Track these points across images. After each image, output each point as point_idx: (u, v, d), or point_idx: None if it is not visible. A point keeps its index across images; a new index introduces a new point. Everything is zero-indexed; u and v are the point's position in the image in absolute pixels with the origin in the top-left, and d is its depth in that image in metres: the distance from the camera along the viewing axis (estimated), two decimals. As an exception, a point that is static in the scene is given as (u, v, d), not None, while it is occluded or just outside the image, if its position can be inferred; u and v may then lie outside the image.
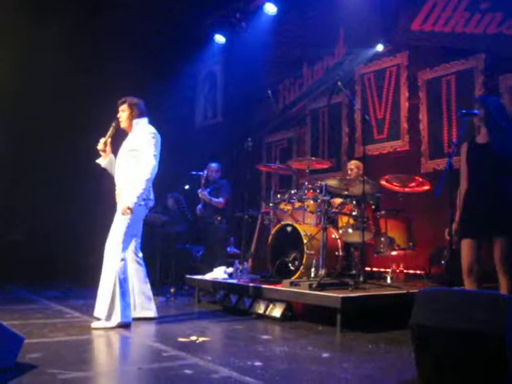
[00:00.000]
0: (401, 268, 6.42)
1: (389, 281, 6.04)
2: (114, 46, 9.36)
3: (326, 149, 8.82)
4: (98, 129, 5.43)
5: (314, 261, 5.72)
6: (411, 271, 6.66)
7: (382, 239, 6.21)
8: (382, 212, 6.34)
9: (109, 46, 9.38)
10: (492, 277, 4.42)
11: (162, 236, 7.64)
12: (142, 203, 4.92)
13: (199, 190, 7.48)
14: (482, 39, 6.74)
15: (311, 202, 6.10)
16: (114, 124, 5.23)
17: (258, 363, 3.50)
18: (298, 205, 6.22)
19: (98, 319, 4.76)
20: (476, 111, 4.59)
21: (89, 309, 5.24)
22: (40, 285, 8.10)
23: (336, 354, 4.03)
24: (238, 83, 10.01)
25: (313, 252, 5.77)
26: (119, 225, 4.90)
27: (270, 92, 8.00)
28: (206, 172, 7.53)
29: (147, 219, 5.46)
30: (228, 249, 7.84)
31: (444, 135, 7.05)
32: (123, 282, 4.82)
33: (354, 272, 6.17)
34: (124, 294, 4.79)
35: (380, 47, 7.97)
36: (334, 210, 6.21)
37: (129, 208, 4.79)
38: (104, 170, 5.32)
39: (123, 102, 5.22)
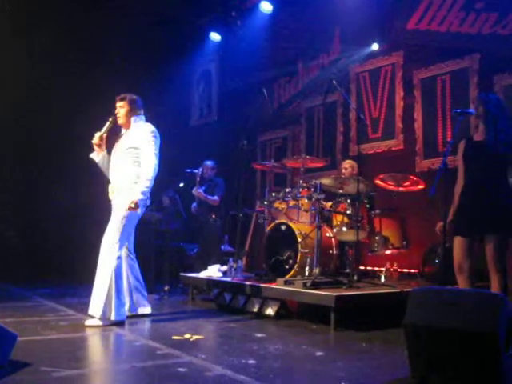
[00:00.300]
0: (395, 267, 6.44)
1: (383, 279, 6.06)
2: (109, 44, 9.34)
3: (320, 147, 8.82)
4: (92, 125, 5.41)
5: (309, 259, 5.73)
6: (405, 270, 6.68)
7: (376, 238, 6.23)
8: (377, 211, 6.34)
9: (103, 44, 9.35)
10: (484, 276, 4.44)
11: (157, 234, 7.64)
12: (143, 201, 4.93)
13: (194, 188, 7.47)
14: (476, 39, 6.75)
15: (306, 200, 6.11)
16: (111, 119, 5.17)
17: (251, 361, 3.50)
18: (292, 203, 6.23)
19: (92, 317, 4.75)
20: (470, 110, 4.61)
21: (83, 307, 5.23)
22: (33, 282, 8.08)
23: (330, 352, 4.04)
24: (233, 81, 10.00)
25: (307, 250, 5.77)
26: (116, 222, 4.89)
27: (264, 90, 7.99)
28: (201, 170, 7.52)
29: (142, 217, 5.45)
30: (222, 247, 7.84)
31: (439, 134, 7.07)
32: (119, 279, 4.82)
33: (348, 271, 6.17)
34: (119, 292, 4.79)
35: (375, 46, 7.97)
36: (328, 208, 6.22)
37: (135, 203, 4.79)
38: (96, 164, 5.27)
39: (122, 98, 5.17)
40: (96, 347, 4.24)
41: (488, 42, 6.63)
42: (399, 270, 6.51)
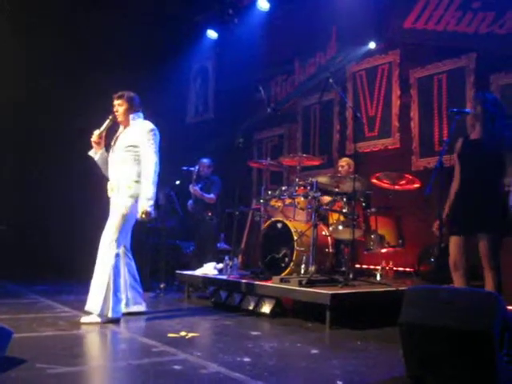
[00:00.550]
0: (390, 265, 6.47)
1: (378, 278, 6.06)
2: (106, 42, 9.31)
3: (317, 146, 8.83)
4: (88, 123, 5.40)
5: (304, 257, 5.73)
6: (400, 269, 6.69)
7: (372, 236, 6.23)
8: (373, 209, 6.35)
9: (103, 44, 9.34)
10: (479, 274, 4.45)
11: (153, 231, 7.63)
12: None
13: (191, 185, 7.47)
14: (473, 38, 6.76)
15: (302, 198, 6.11)
16: (110, 117, 5.15)
17: (246, 359, 3.51)
18: (288, 201, 6.22)
19: (89, 314, 4.75)
20: (467, 110, 4.62)
21: (79, 304, 5.23)
22: (29, 279, 8.07)
23: (325, 350, 4.05)
24: (230, 79, 9.98)
25: (303, 249, 5.77)
26: (115, 221, 4.90)
27: (261, 88, 7.99)
28: (197, 167, 7.52)
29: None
30: (218, 245, 7.84)
31: (435, 133, 7.08)
32: (117, 277, 4.83)
33: (343, 269, 6.19)
34: (116, 289, 4.80)
35: (372, 45, 7.97)
36: (324, 206, 6.22)
37: (146, 213, 4.80)
38: (95, 162, 5.27)
39: (120, 96, 5.15)
40: (92, 344, 4.24)
41: (485, 42, 6.63)
42: (395, 268, 6.53)
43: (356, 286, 5.29)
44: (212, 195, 7.54)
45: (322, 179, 6.19)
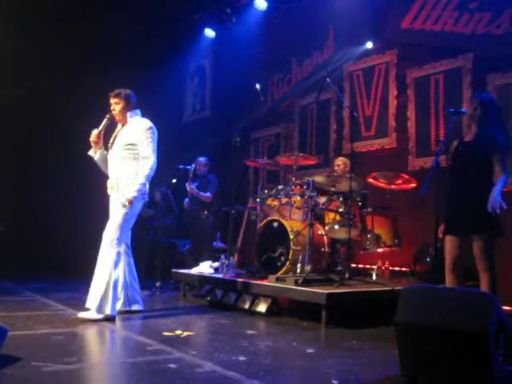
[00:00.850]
0: (386, 265, 6.48)
1: (374, 277, 6.08)
2: (104, 41, 9.29)
3: (313, 145, 8.83)
4: (85, 122, 5.38)
5: (300, 257, 5.74)
6: (396, 268, 6.71)
7: (368, 236, 6.24)
8: (369, 209, 6.36)
9: (97, 41, 9.31)
10: (473, 275, 4.46)
11: (149, 229, 7.63)
12: (141, 198, 4.93)
13: (187, 184, 7.47)
14: (470, 38, 6.76)
15: (298, 197, 6.11)
16: (108, 116, 5.14)
17: (242, 358, 3.51)
18: (284, 200, 6.23)
19: (86, 310, 4.76)
20: (463, 110, 4.62)
21: (74, 302, 5.24)
22: (25, 277, 8.04)
23: (320, 349, 4.06)
24: (227, 78, 9.97)
25: (299, 248, 5.78)
26: (117, 219, 4.91)
27: (258, 87, 7.98)
28: (193, 166, 7.51)
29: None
30: (214, 243, 7.84)
31: (431, 133, 7.08)
32: (117, 275, 4.84)
33: (339, 268, 6.19)
34: (116, 287, 4.84)
35: (369, 45, 7.98)
36: (320, 206, 6.22)
37: (130, 200, 4.81)
38: (94, 162, 5.27)
39: (117, 94, 5.13)
40: (87, 342, 4.23)
41: (482, 42, 6.64)
42: (391, 268, 6.54)
43: (352, 286, 5.29)
44: (208, 194, 7.54)
45: (319, 178, 6.20)
